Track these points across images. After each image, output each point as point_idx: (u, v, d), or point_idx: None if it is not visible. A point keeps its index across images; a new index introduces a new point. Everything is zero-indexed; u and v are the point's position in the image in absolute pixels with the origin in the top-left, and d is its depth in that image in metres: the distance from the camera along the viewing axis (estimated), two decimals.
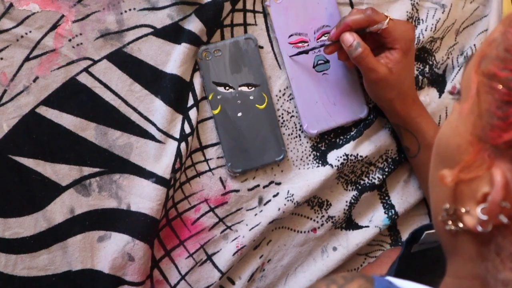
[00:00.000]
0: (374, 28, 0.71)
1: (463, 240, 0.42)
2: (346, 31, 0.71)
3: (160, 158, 0.71)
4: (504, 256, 0.39)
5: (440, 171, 0.42)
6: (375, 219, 0.83)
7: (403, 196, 0.83)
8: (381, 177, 0.81)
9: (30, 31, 0.66)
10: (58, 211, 0.69)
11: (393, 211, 0.82)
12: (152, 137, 0.71)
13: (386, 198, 0.83)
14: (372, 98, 0.77)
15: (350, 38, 0.70)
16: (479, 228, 0.39)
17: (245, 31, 0.75)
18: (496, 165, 0.38)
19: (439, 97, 0.83)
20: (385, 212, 0.83)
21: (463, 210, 0.40)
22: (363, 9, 0.72)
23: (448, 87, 0.84)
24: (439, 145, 0.45)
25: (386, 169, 0.81)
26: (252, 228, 0.75)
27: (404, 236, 0.85)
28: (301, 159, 0.78)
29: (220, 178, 0.75)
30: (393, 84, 0.72)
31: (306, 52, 0.75)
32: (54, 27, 0.67)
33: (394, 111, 0.76)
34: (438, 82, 0.84)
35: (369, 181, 0.81)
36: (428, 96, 0.82)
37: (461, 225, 0.41)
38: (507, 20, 0.41)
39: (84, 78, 0.69)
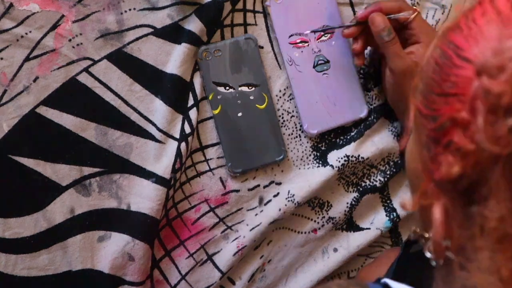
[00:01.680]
0: (402, 15, 0.70)
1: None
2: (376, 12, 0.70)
3: (160, 158, 0.71)
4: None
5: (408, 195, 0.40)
6: (376, 221, 0.82)
7: (405, 200, 0.83)
8: (382, 179, 0.81)
9: (30, 31, 0.66)
10: (58, 211, 0.69)
11: (394, 214, 0.82)
12: (152, 137, 0.71)
13: (388, 201, 0.83)
14: (390, 97, 0.76)
15: (382, 21, 0.69)
16: (433, 263, 0.38)
17: (245, 31, 0.75)
18: (438, 198, 0.36)
19: None
20: (386, 215, 0.82)
21: (426, 235, 0.39)
22: None
23: None
24: (406, 167, 0.43)
25: (388, 172, 0.81)
26: (253, 228, 0.75)
27: (405, 238, 0.85)
28: (301, 159, 0.78)
29: (220, 178, 0.75)
30: None
31: (331, 29, 0.75)
32: (54, 27, 0.67)
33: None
34: None
35: (371, 183, 0.81)
36: None
37: (427, 253, 0.40)
38: (432, 46, 0.39)
39: (84, 78, 0.69)
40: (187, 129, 0.71)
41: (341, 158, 0.77)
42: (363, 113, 0.78)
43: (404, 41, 0.72)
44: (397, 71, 0.71)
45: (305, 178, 0.77)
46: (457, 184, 0.35)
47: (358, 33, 0.73)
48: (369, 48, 0.78)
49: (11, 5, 0.65)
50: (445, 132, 0.35)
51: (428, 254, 0.38)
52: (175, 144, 0.71)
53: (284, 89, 0.76)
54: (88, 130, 0.69)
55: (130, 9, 0.70)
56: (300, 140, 0.77)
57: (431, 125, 0.36)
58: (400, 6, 0.71)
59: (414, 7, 0.72)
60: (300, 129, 0.77)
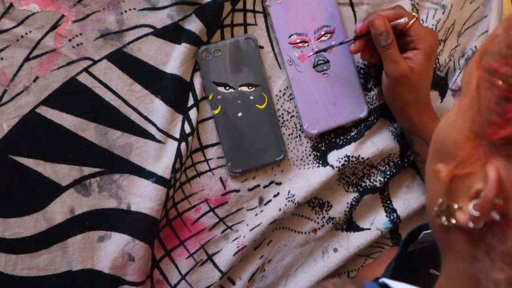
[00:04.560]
0: (401, 21, 0.70)
1: (456, 237, 0.41)
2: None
3: (160, 158, 0.71)
4: (494, 256, 0.38)
5: (436, 165, 0.41)
6: (376, 222, 0.82)
7: (405, 201, 0.83)
8: (382, 180, 0.81)
9: (30, 31, 0.66)
10: (58, 211, 0.69)
11: (395, 214, 0.82)
12: (152, 137, 0.71)
13: (388, 202, 0.83)
14: (387, 99, 0.77)
15: (381, 25, 0.70)
16: (471, 224, 0.38)
17: (245, 31, 0.75)
18: (491, 162, 0.37)
19: (441, 101, 0.83)
20: (386, 216, 0.82)
21: (455, 206, 0.40)
22: (392, 6, 0.72)
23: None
24: (437, 139, 0.44)
25: (388, 172, 0.81)
26: (253, 228, 0.75)
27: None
28: (301, 159, 0.78)
29: (220, 178, 0.75)
30: (413, 84, 0.72)
31: (325, 50, 0.76)
32: (54, 27, 0.67)
33: (407, 115, 0.75)
34: (440, 85, 0.83)
35: (371, 184, 0.81)
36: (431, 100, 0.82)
37: (453, 221, 0.40)
38: (511, 16, 0.40)
39: (84, 78, 0.69)
40: (187, 129, 0.71)
41: (341, 158, 0.77)
42: (363, 113, 0.78)
43: (403, 47, 0.73)
44: (391, 76, 0.72)
45: (305, 178, 0.77)
46: None
47: (363, 46, 0.74)
48: None
49: (11, 5, 0.65)
50: None
51: (461, 217, 0.39)
52: (175, 144, 0.71)
53: (284, 89, 0.76)
54: (88, 130, 0.69)
55: (130, 9, 0.70)
56: (300, 140, 0.77)
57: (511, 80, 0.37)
58: (397, 13, 0.71)
59: (413, 14, 0.72)
60: (300, 129, 0.77)
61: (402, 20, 0.71)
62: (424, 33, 0.71)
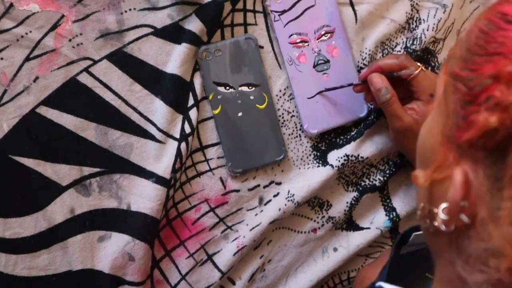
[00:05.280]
0: (404, 72, 0.71)
1: (440, 241, 0.42)
2: (376, 72, 0.71)
3: (160, 158, 0.71)
4: (468, 258, 0.38)
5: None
6: (376, 221, 0.82)
7: (404, 199, 0.83)
8: (382, 178, 0.81)
9: (30, 31, 0.66)
10: (58, 211, 0.69)
11: (394, 213, 0.82)
12: (152, 137, 0.71)
13: (388, 201, 0.83)
14: (397, 147, 0.78)
15: (379, 82, 0.70)
16: (443, 228, 0.39)
17: (245, 31, 0.75)
18: (460, 165, 0.38)
19: None
20: (386, 215, 0.82)
21: (435, 210, 0.40)
22: (397, 54, 0.72)
23: None
24: (418, 146, 0.45)
25: (387, 171, 0.81)
26: (253, 228, 0.75)
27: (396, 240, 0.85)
28: (301, 159, 0.78)
29: (221, 178, 0.75)
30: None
31: (334, 89, 0.76)
32: (54, 27, 0.67)
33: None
34: None
35: (370, 183, 0.81)
36: None
37: (436, 224, 0.41)
38: (474, 20, 0.41)
39: (84, 78, 0.69)
40: (187, 129, 0.71)
41: (341, 158, 0.77)
42: (363, 113, 0.78)
43: (410, 95, 0.73)
44: (395, 130, 0.73)
45: (305, 178, 0.77)
46: (490, 140, 0.36)
47: (365, 88, 0.74)
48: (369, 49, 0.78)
49: (11, 5, 0.65)
50: (484, 89, 0.36)
51: (437, 223, 0.40)
52: (175, 144, 0.71)
53: (284, 89, 0.76)
54: (88, 130, 0.69)
55: (130, 9, 0.69)
56: (300, 140, 0.77)
57: (471, 84, 0.37)
58: (401, 63, 0.71)
59: (418, 64, 0.72)
60: (300, 129, 0.77)
61: (405, 72, 0.71)
62: (427, 84, 0.71)
